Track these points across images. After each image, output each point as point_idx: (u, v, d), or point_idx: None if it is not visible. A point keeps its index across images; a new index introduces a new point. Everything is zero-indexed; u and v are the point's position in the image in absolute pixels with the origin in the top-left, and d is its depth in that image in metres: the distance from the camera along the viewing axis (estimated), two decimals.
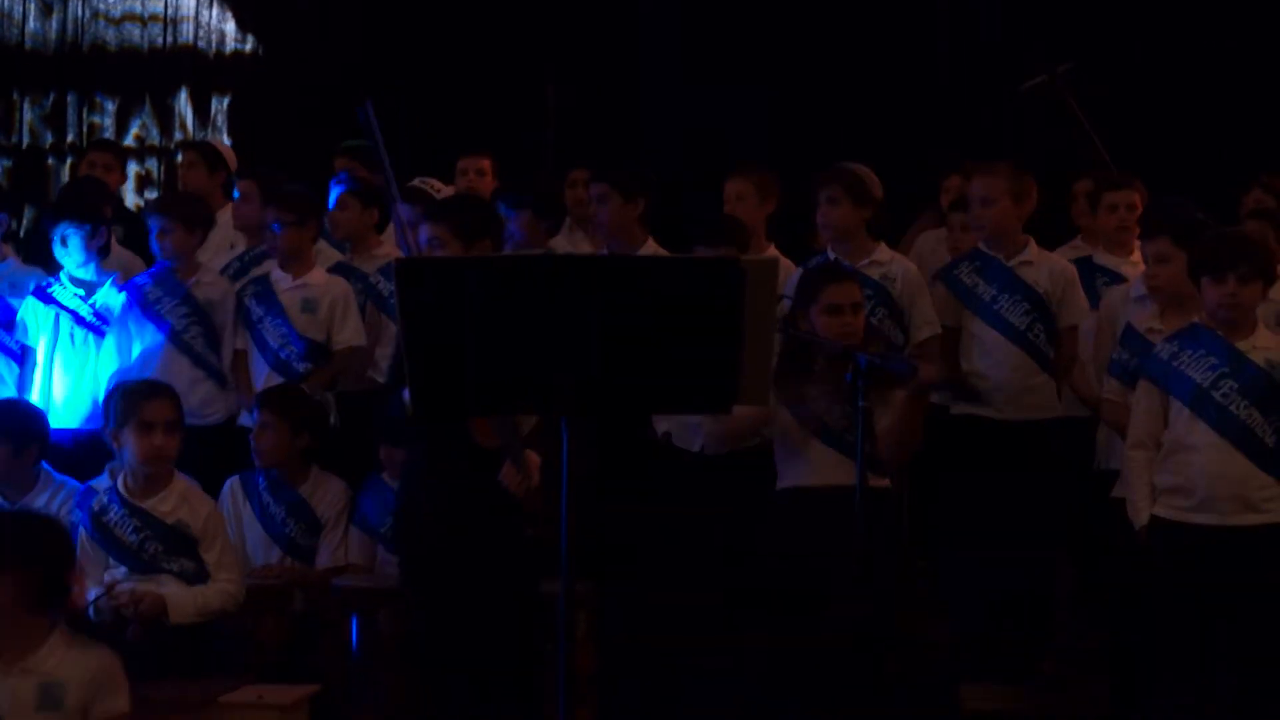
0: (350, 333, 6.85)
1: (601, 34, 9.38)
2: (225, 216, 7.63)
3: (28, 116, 10.09)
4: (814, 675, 5.39)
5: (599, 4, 9.45)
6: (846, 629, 5.31)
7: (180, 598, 5.37)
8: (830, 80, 9.09)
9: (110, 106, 10.04)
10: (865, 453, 4.98)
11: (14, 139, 10.06)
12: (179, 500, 5.51)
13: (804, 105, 9.05)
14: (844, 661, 5.33)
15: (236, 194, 7.63)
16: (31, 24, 10.15)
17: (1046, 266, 6.34)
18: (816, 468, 5.47)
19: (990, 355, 6.30)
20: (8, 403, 6.44)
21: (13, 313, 6.88)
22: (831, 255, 6.34)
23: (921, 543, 6.42)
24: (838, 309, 5.48)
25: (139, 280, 6.86)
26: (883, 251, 6.41)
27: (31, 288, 6.90)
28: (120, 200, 8.58)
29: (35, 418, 6.33)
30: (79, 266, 6.86)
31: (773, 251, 6.65)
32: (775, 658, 5.58)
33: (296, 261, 6.87)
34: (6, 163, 10.06)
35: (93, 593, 5.39)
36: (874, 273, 6.28)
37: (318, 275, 6.91)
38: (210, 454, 6.42)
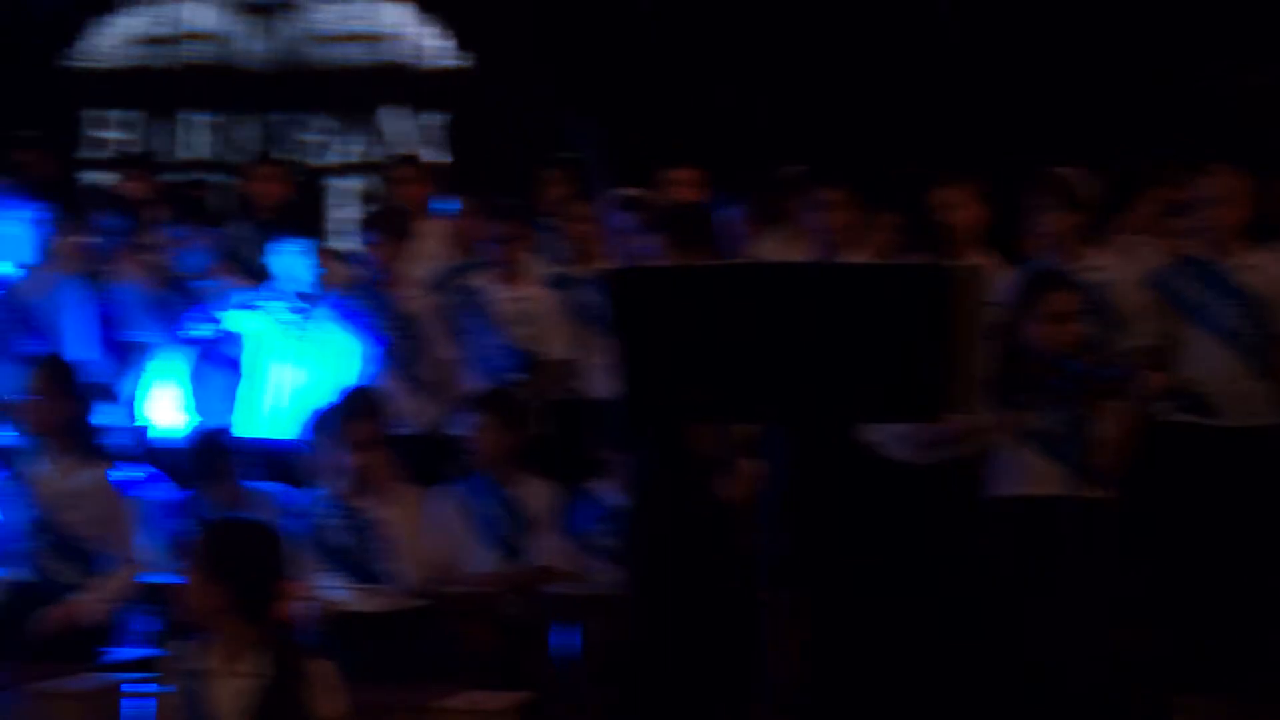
0: (560, 344, 6.92)
1: (814, 39, 9.34)
2: (432, 229, 7.75)
3: (245, 135, 10.36)
4: (1021, 686, 5.32)
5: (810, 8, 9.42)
6: (1051, 638, 5.23)
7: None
8: (1040, 81, 8.93)
9: (324, 124, 10.26)
10: (1080, 462, 4.90)
11: (232, 157, 10.33)
12: (390, 501, 5.60)
13: (1017, 107, 8.90)
14: (1049, 672, 5.25)
15: (446, 207, 7.74)
16: (249, 45, 10.42)
17: (1263, 269, 6.17)
18: (1030, 477, 5.38)
19: (1206, 361, 6.15)
20: (201, 437, 6.60)
21: (226, 326, 7.08)
22: (1048, 261, 6.23)
23: (1136, 553, 6.28)
24: (1056, 317, 5.38)
25: (346, 293, 7.00)
26: (1100, 256, 6.27)
27: (245, 302, 7.09)
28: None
29: (224, 446, 6.48)
30: (291, 280, 7.04)
31: (983, 258, 6.56)
32: (981, 669, 5.51)
33: (511, 274, 6.96)
34: (225, 180, 10.33)
35: (303, 602, 5.52)
36: (1090, 278, 6.14)
37: (530, 287, 6.99)
38: (414, 462, 6.53)
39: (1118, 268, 6.28)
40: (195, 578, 4.17)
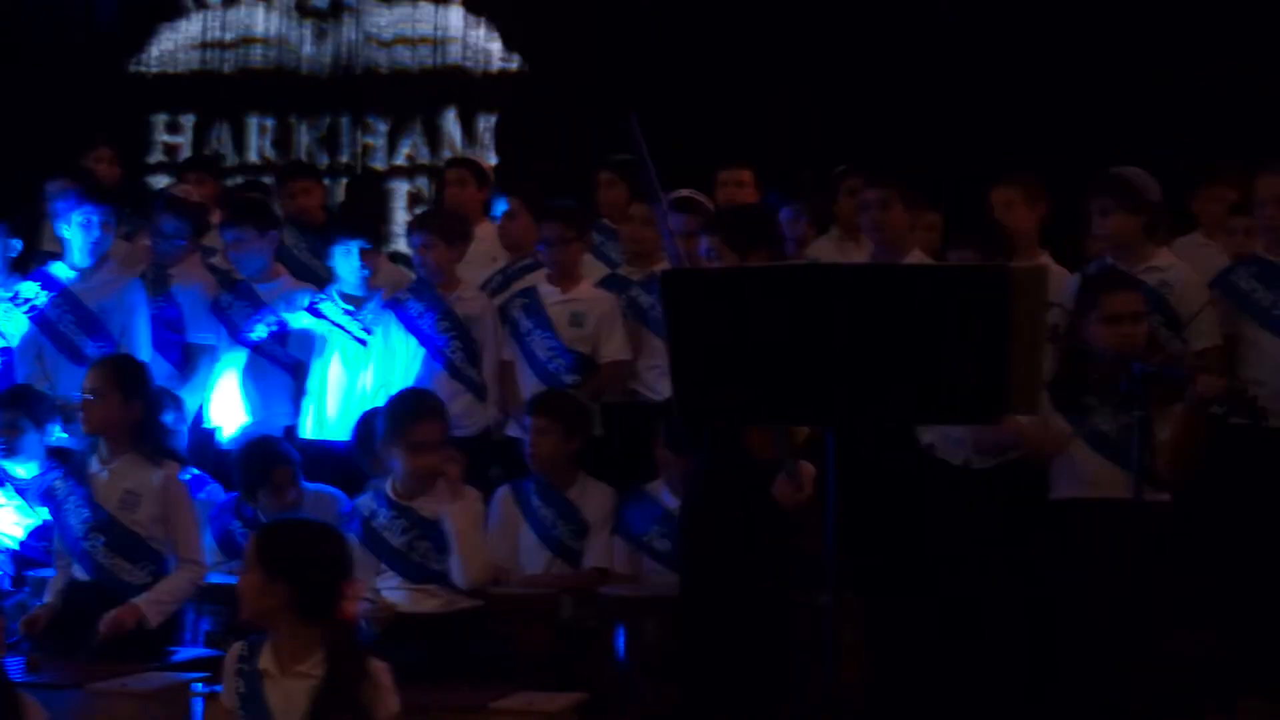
0: (616, 346, 6.93)
1: (855, 37, 9.32)
2: (486, 231, 7.77)
3: (304, 139, 10.41)
4: (1082, 690, 5.29)
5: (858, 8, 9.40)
6: (1113, 642, 5.20)
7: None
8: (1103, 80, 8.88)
9: (382, 127, 10.31)
10: (1142, 466, 4.86)
11: (290, 161, 10.39)
12: (447, 502, 5.62)
13: (1077, 106, 8.85)
14: (1110, 676, 5.22)
15: (500, 210, 7.76)
16: (307, 49, 10.48)
17: None
18: (1091, 480, 5.35)
19: (1269, 363, 6.10)
20: (253, 444, 6.64)
21: (286, 328, 7.13)
22: (1110, 261, 6.19)
23: (1198, 555, 6.24)
24: (1117, 318, 5.35)
25: (401, 295, 7.03)
26: (1162, 257, 6.21)
27: (304, 304, 7.13)
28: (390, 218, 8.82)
29: (279, 451, 6.52)
30: (349, 282, 7.07)
31: (1044, 258, 6.52)
32: (1038, 671, 5.48)
33: (565, 276, 6.98)
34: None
35: (362, 605, 5.54)
36: (1151, 279, 6.09)
37: (586, 289, 7.00)
38: (470, 464, 6.53)
39: (1180, 268, 6.23)
40: (255, 577, 4.18)
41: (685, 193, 7.22)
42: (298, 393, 7.10)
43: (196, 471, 6.72)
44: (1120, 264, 6.12)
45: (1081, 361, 5.38)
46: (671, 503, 6.15)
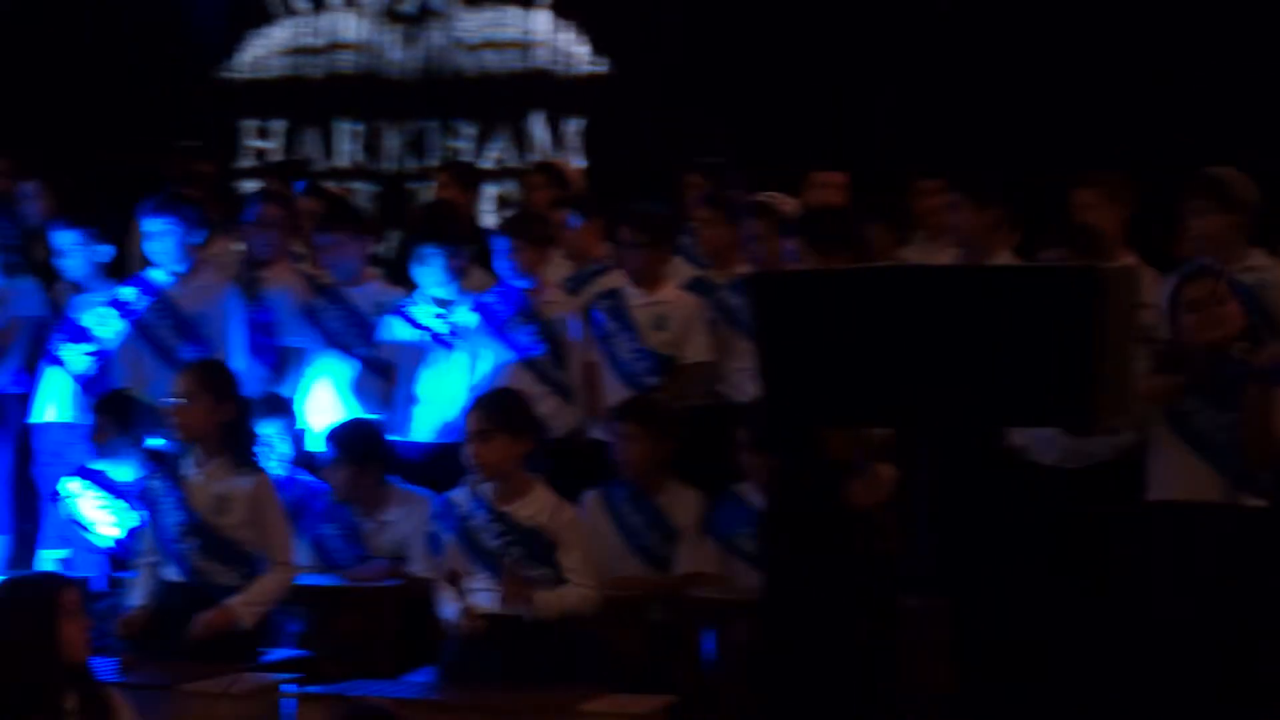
0: (699, 347, 6.93)
1: (935, 37, 9.26)
2: (568, 234, 7.77)
3: (393, 144, 10.48)
4: (1171, 696, 5.23)
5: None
6: (1211, 649, 5.14)
7: (546, 595, 5.52)
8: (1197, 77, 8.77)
9: (469, 131, 10.36)
10: (1239, 469, 4.80)
11: (380, 166, 10.47)
12: (540, 505, 5.65)
13: (1170, 103, 8.74)
14: (1201, 682, 5.17)
15: (577, 213, 7.76)
16: (395, 54, 10.55)
17: None
18: (1187, 482, 5.29)
19: None
20: (349, 423, 6.71)
21: (377, 331, 7.17)
22: (1204, 262, 6.11)
23: None
24: (1195, 304, 5.29)
25: (487, 298, 7.06)
26: (1259, 257, 6.11)
27: (397, 308, 7.18)
28: (475, 221, 8.85)
29: (374, 434, 6.58)
30: (437, 286, 7.11)
31: (1131, 259, 6.46)
32: (1134, 674, 5.43)
33: (648, 279, 6.98)
34: (373, 188, 10.47)
35: (451, 608, 5.58)
36: (1248, 279, 6.00)
37: (669, 291, 7.00)
38: (556, 467, 6.56)
39: (1275, 269, 6.14)
40: None
41: (760, 197, 7.20)
42: (389, 396, 7.14)
43: (299, 477, 6.80)
44: (1215, 265, 6.03)
45: (1178, 360, 5.31)
46: (759, 503, 6.13)
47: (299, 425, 7.11)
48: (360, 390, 7.20)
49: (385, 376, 7.17)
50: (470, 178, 8.77)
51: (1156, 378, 5.26)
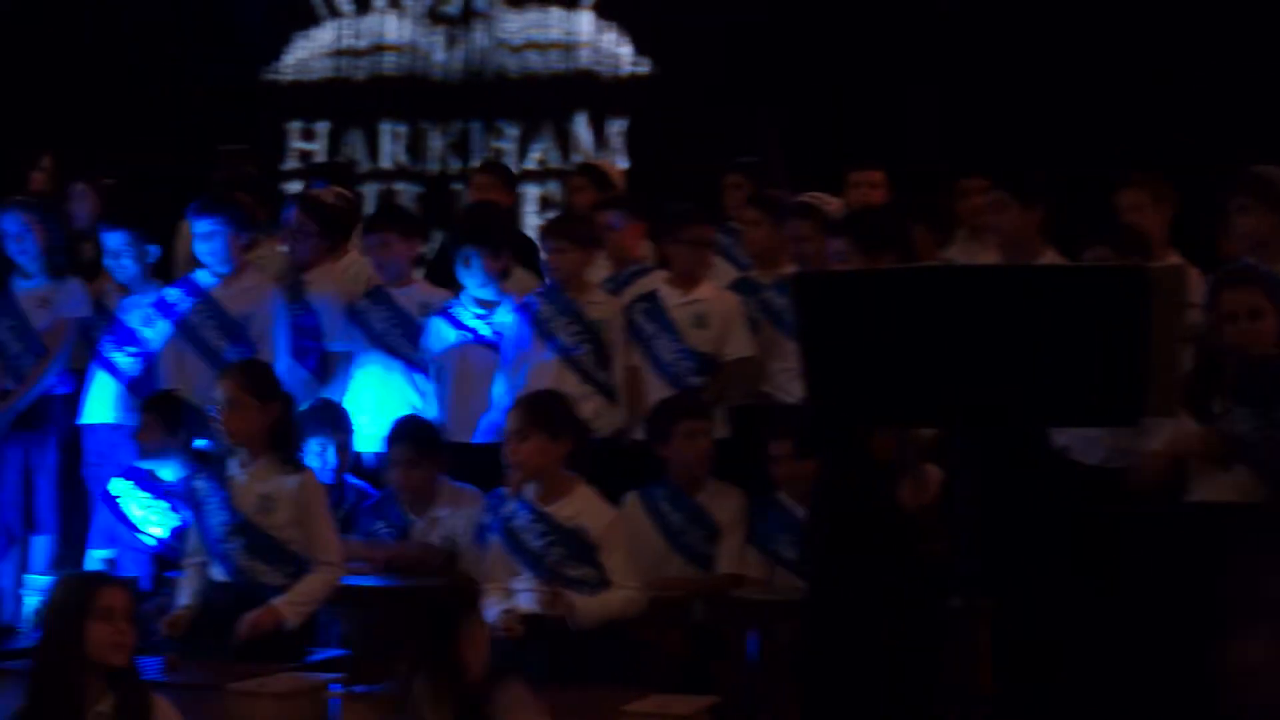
0: (739, 344, 6.93)
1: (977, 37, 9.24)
2: (607, 236, 7.76)
3: (436, 145, 10.52)
4: (1211, 702, 5.20)
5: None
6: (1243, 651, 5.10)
7: (587, 602, 5.52)
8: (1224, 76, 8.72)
9: (512, 132, 10.38)
10: (1278, 470, 4.77)
11: (424, 166, 10.50)
12: (582, 506, 5.66)
13: (1199, 102, 8.69)
14: (1240, 688, 5.12)
15: (619, 215, 7.75)
16: (439, 55, 10.58)
17: None
18: (1229, 484, 5.26)
19: None
20: (406, 419, 6.72)
21: (422, 332, 7.19)
22: (1247, 261, 6.07)
23: None
24: (1233, 316, 5.25)
25: (530, 299, 7.07)
26: None
27: (441, 309, 7.19)
28: (517, 222, 8.87)
29: (431, 431, 6.60)
30: (480, 287, 7.12)
31: (1176, 259, 6.42)
32: (1176, 679, 5.39)
33: (687, 278, 6.98)
34: (417, 189, 10.51)
35: (494, 610, 5.58)
36: None
37: (707, 290, 7.00)
38: (599, 467, 6.56)
39: None
40: None
41: (805, 197, 7.19)
42: (435, 395, 7.15)
43: (345, 478, 6.82)
44: (1261, 264, 6.00)
45: (1216, 363, 5.28)
46: (799, 512, 6.11)
47: (350, 432, 7.11)
48: (406, 391, 7.21)
49: (433, 377, 7.18)
50: (509, 178, 8.77)
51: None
